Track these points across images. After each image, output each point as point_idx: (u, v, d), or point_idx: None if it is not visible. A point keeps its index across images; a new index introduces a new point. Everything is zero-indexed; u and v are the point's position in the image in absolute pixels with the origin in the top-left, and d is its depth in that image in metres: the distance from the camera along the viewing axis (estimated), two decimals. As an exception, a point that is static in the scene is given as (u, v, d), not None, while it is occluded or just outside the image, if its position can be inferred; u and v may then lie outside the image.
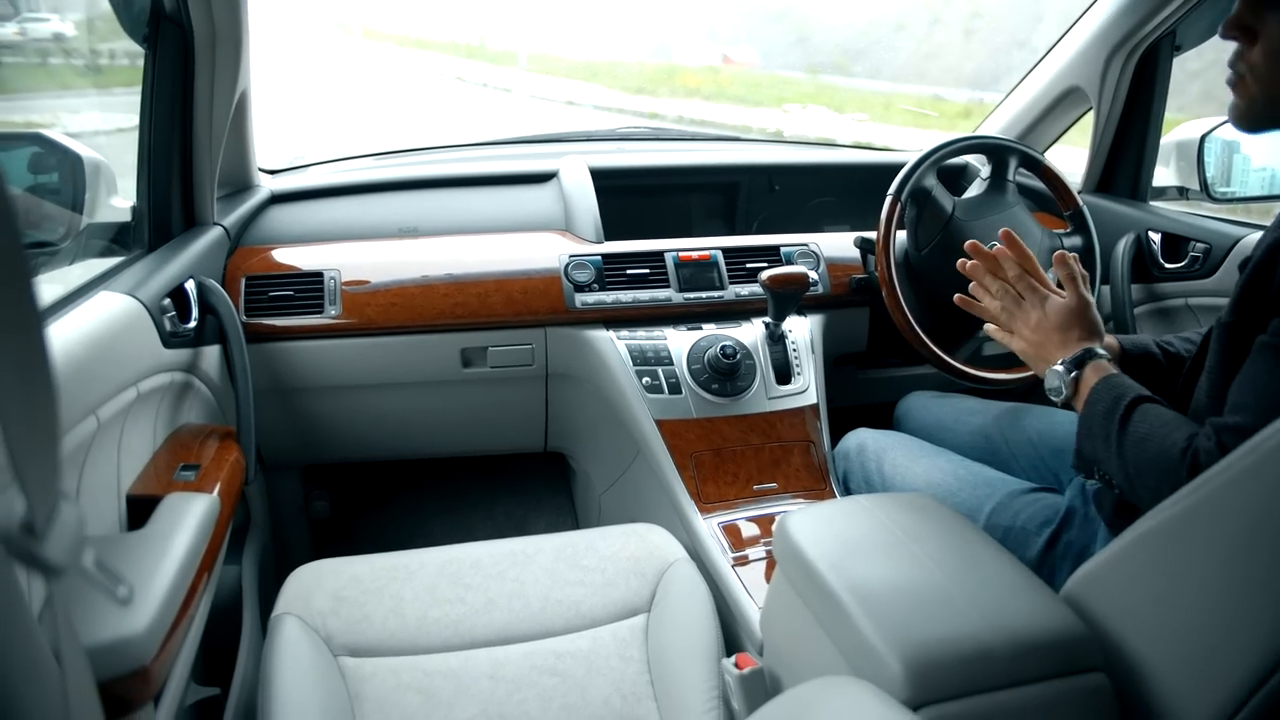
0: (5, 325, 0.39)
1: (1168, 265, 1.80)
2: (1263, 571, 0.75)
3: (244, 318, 1.56)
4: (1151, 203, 1.91)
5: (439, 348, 1.66)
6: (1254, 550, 0.75)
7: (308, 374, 1.64)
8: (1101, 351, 1.15)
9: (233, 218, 1.64)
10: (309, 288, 1.62)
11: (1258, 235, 1.64)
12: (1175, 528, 0.83)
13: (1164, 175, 1.88)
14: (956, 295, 1.32)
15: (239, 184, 1.77)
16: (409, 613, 1.25)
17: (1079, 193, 1.73)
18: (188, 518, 1.09)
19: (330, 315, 1.61)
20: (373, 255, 1.69)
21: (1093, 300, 1.22)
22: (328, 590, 1.26)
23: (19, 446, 0.41)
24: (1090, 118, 1.94)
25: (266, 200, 1.78)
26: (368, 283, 1.64)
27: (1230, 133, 1.73)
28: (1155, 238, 1.81)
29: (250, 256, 1.65)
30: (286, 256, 1.67)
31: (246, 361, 1.44)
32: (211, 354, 1.46)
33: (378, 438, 1.80)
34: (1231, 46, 1.01)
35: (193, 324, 1.37)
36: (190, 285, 1.40)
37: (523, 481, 2.17)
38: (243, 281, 1.60)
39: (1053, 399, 1.17)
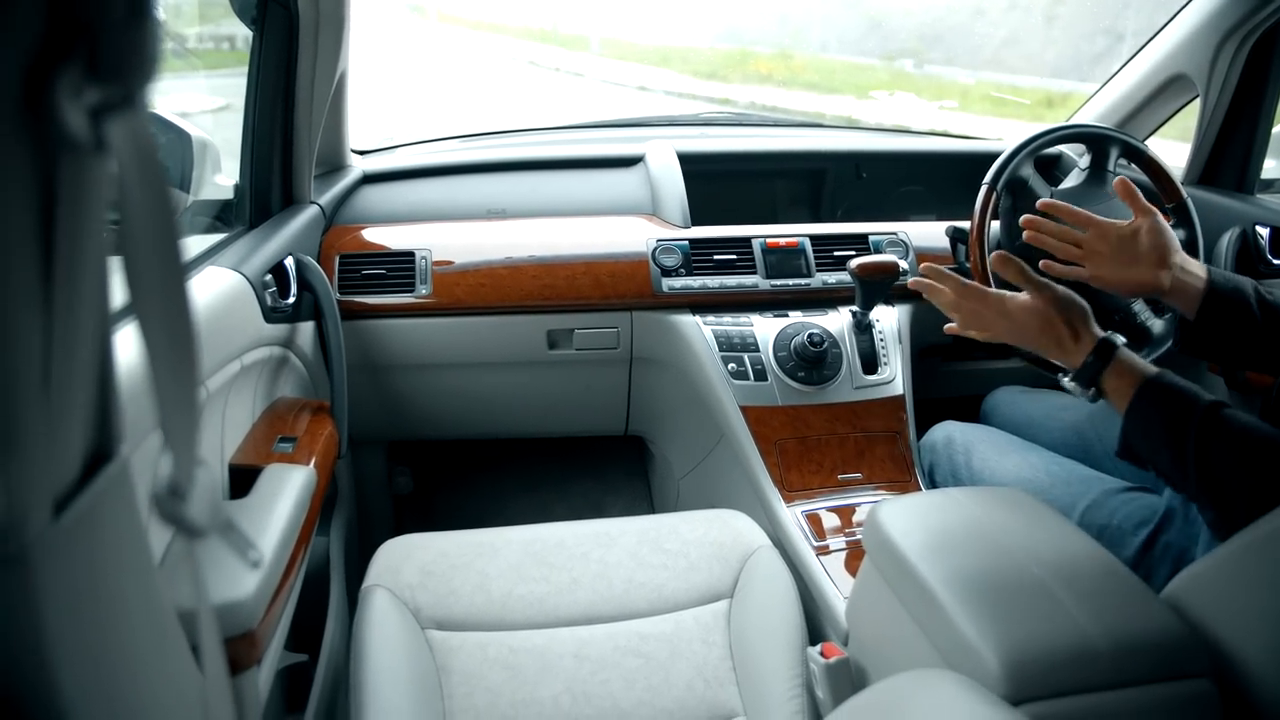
0: (158, 290, 0.41)
1: (1275, 261, 1.73)
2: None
3: (338, 295, 1.60)
4: (1260, 195, 1.84)
5: (525, 329, 1.68)
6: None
7: (396, 351, 1.67)
8: (1115, 340, 1.10)
9: (328, 197, 1.68)
10: (400, 267, 1.65)
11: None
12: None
13: (1275, 168, 1.81)
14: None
15: (333, 164, 1.80)
16: (494, 589, 1.27)
17: (1182, 184, 1.67)
18: (288, 488, 1.12)
19: (420, 294, 1.64)
20: (462, 236, 1.71)
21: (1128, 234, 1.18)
22: (416, 564, 1.28)
23: (168, 409, 0.43)
24: (1192, 107, 1.88)
25: (359, 180, 1.81)
26: (456, 263, 1.66)
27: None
28: (1263, 232, 1.74)
29: (344, 235, 1.68)
30: (378, 236, 1.70)
31: (341, 338, 1.47)
32: (306, 330, 1.50)
33: (461, 416, 1.83)
34: None
35: (291, 300, 1.41)
36: (289, 262, 1.43)
37: (599, 464, 2.18)
38: (337, 259, 1.64)
39: (1085, 400, 1.12)
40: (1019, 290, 1.19)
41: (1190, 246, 1.63)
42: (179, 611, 0.54)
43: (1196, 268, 1.18)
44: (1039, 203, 1.24)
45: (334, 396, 1.45)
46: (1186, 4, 1.81)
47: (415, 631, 1.21)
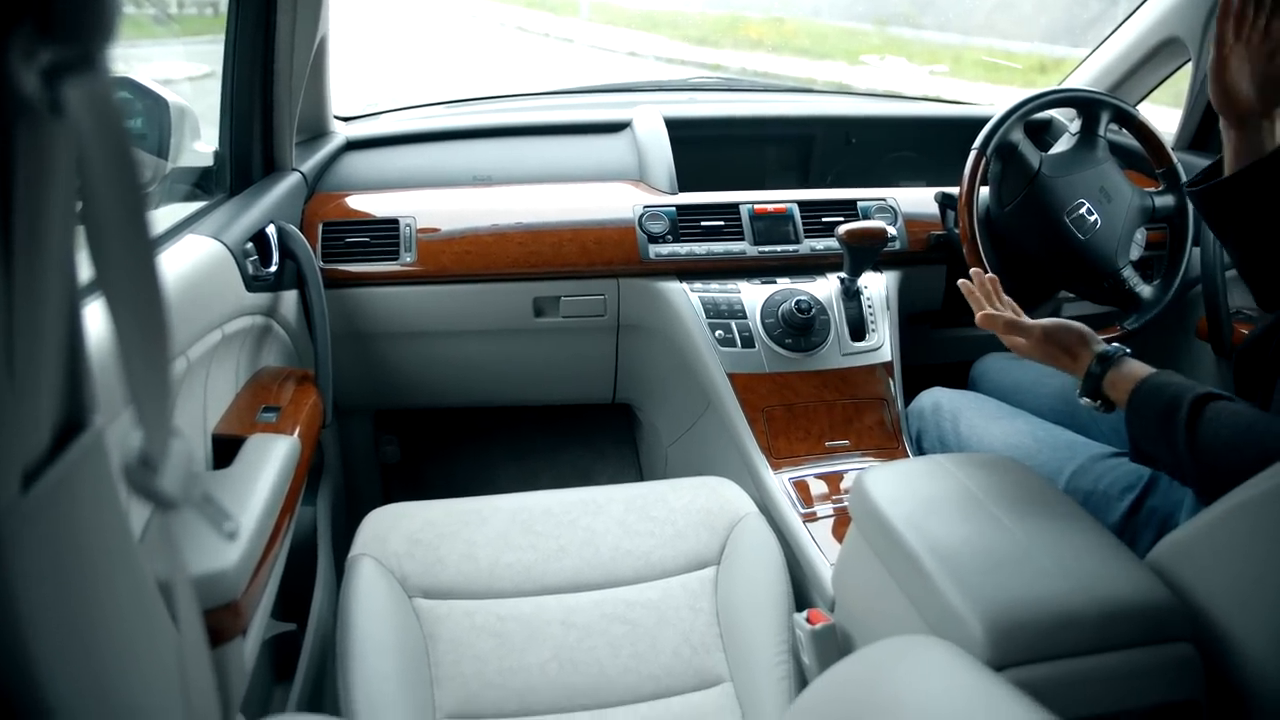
0: (125, 261, 0.40)
1: (1263, 227, 1.72)
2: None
3: (321, 263, 1.58)
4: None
5: (512, 296, 1.67)
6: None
7: (382, 320, 1.66)
8: (1112, 350, 1.14)
9: (310, 164, 1.66)
10: (385, 234, 1.64)
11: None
12: (1275, 501, 0.81)
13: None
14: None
15: (315, 130, 1.78)
16: (482, 557, 1.27)
17: (1172, 150, 1.67)
18: (271, 458, 1.11)
19: (405, 262, 1.62)
20: (447, 203, 1.69)
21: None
22: (402, 533, 1.28)
23: (137, 380, 0.42)
24: (1186, 71, 1.86)
25: (342, 147, 1.79)
26: (442, 230, 1.65)
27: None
28: None
29: (327, 202, 1.67)
30: (362, 203, 1.68)
31: (325, 306, 1.46)
32: (290, 298, 1.48)
33: (448, 385, 1.82)
34: None
35: (273, 268, 1.39)
36: (271, 230, 1.42)
37: (587, 432, 2.18)
38: (320, 227, 1.62)
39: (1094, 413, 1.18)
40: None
41: (1178, 213, 1.63)
42: (160, 583, 0.53)
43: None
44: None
45: (318, 365, 1.44)
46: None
47: (402, 600, 1.21)
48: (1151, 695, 0.85)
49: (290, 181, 1.55)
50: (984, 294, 1.31)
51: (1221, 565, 0.88)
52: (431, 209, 1.67)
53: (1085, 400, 1.17)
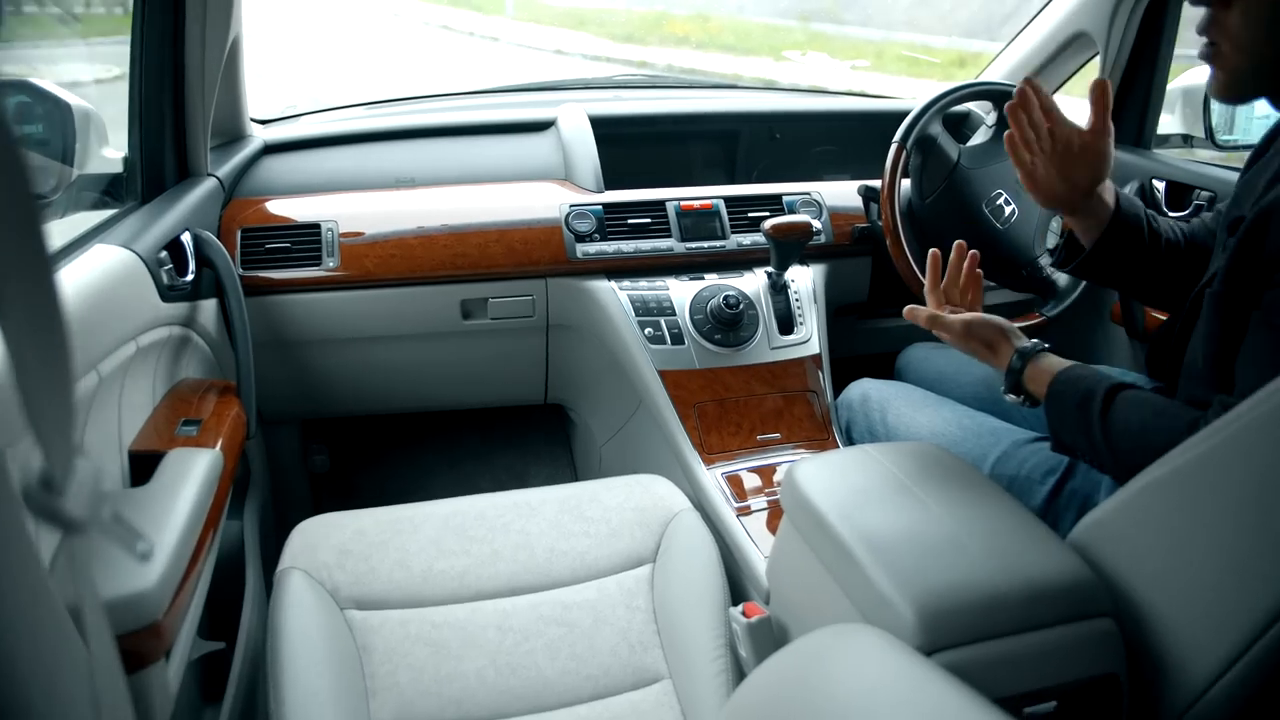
0: (18, 276, 0.38)
1: (1172, 213, 1.78)
2: (1268, 519, 0.75)
3: (241, 270, 1.54)
4: (1155, 150, 1.89)
5: (439, 299, 1.65)
6: (1263, 500, 0.76)
7: (306, 327, 1.62)
8: (1030, 346, 1.17)
9: (226, 168, 1.61)
10: (306, 239, 1.60)
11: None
12: (1184, 477, 0.84)
13: (1169, 123, 1.86)
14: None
15: (231, 134, 1.73)
16: (415, 565, 1.25)
17: (1084, 140, 1.71)
18: (192, 473, 1.08)
19: (328, 267, 1.59)
20: (370, 206, 1.66)
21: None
22: (332, 544, 1.26)
23: (35, 400, 0.40)
24: (1095, 64, 1.92)
25: (260, 150, 1.75)
26: (365, 234, 1.62)
27: (1236, 79, 1.71)
28: (1160, 185, 1.80)
29: (245, 208, 1.62)
30: (282, 208, 1.64)
31: (245, 314, 1.42)
32: (209, 307, 1.44)
33: (377, 391, 1.79)
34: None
35: (190, 277, 1.35)
36: (186, 237, 1.38)
37: (521, 434, 2.17)
38: (239, 234, 1.58)
39: (1021, 407, 1.21)
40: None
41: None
42: (70, 609, 0.51)
43: (1108, 194, 1.25)
44: (1023, 80, 1.24)
45: (240, 376, 1.40)
46: (1087, -37, 1.85)
47: (334, 612, 1.19)
48: (1075, 670, 0.87)
49: (206, 187, 1.51)
50: (933, 276, 1.32)
51: (1137, 541, 0.90)
52: (354, 212, 1.64)
53: (1010, 396, 1.20)
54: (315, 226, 1.61)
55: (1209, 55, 0.98)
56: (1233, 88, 0.99)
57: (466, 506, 1.36)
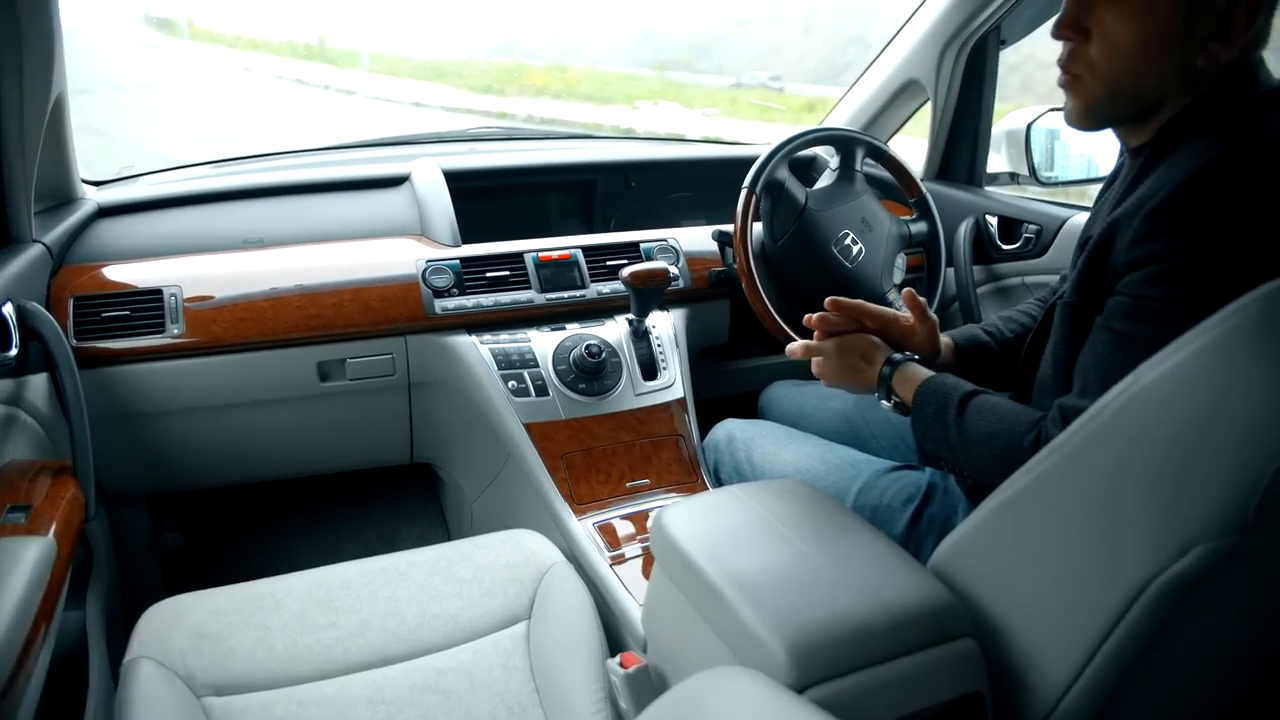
0: None
1: (1004, 246, 1.90)
2: (1104, 532, 0.79)
3: (74, 342, 1.45)
4: (987, 188, 2.02)
5: (294, 362, 1.59)
6: (1096, 511, 0.80)
7: (150, 398, 1.54)
8: (899, 356, 1.23)
9: (54, 234, 1.52)
10: (147, 306, 1.52)
11: (1080, 215, 1.76)
12: (1027, 497, 0.88)
13: (996, 162, 1.99)
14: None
15: (60, 197, 1.63)
16: (278, 643, 1.19)
17: (921, 180, 1.81)
18: (19, 565, 1.00)
19: (172, 334, 1.52)
20: (217, 268, 1.60)
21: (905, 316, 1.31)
22: (186, 627, 1.18)
23: None
24: (928, 109, 2.03)
25: (93, 214, 1.65)
26: (213, 298, 1.55)
27: (1052, 121, 1.84)
28: (992, 221, 1.91)
29: (78, 275, 1.53)
30: (120, 274, 1.56)
31: (79, 388, 1.33)
32: (38, 383, 1.35)
33: (232, 461, 1.71)
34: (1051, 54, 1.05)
35: (13, 351, 1.26)
36: (8, 309, 1.29)
37: (390, 496, 2.10)
38: (70, 303, 1.49)
39: (895, 412, 1.25)
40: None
41: (931, 237, 1.76)
42: None
43: (945, 339, 1.35)
44: (828, 301, 1.30)
45: (76, 454, 1.31)
46: (913, 15, 1.96)
47: (189, 701, 1.12)
48: (941, 692, 0.90)
49: (30, 254, 1.42)
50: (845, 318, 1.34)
51: (991, 562, 0.94)
52: (200, 275, 1.57)
53: (885, 403, 1.24)
54: (157, 292, 1.54)
55: (1066, 84, 1.03)
56: (1088, 116, 1.04)
57: (332, 576, 1.31)
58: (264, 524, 2.03)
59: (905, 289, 1.34)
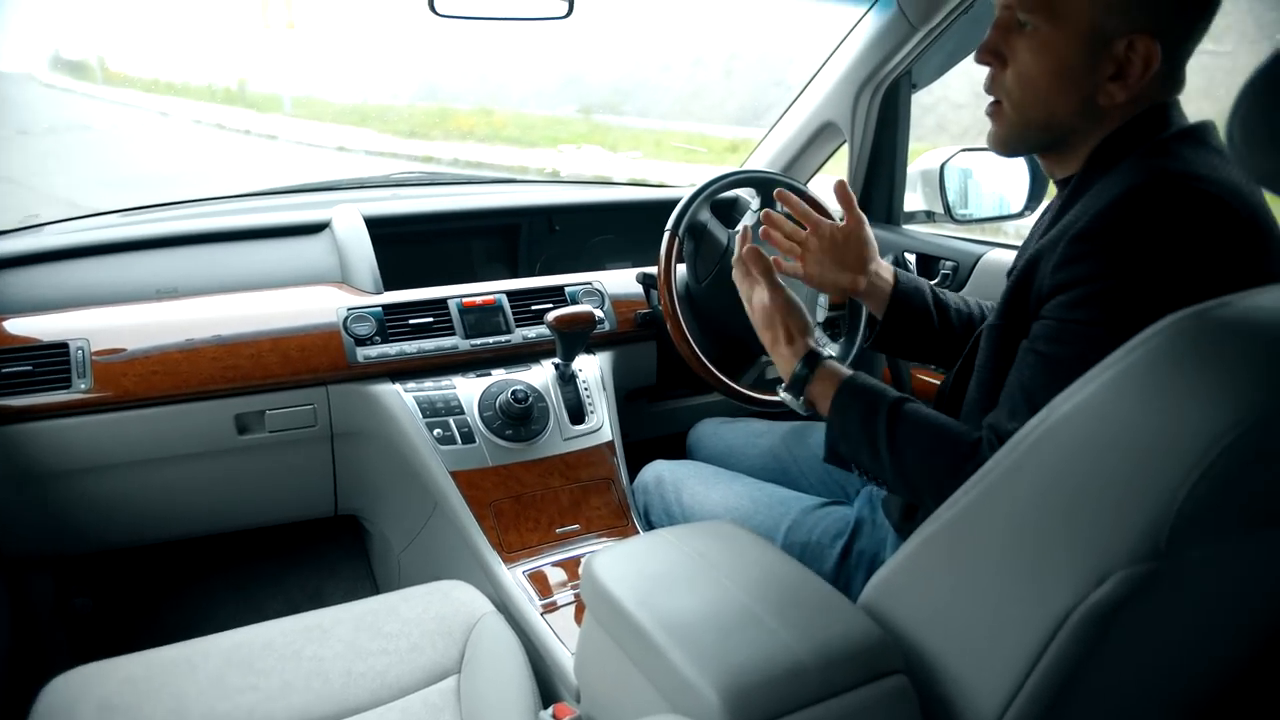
0: None
1: (923, 283, 1.94)
2: (1027, 562, 0.80)
3: None
4: (904, 226, 2.06)
5: (209, 415, 1.54)
6: (1020, 543, 0.81)
7: (55, 457, 1.47)
8: (821, 351, 1.20)
9: None
10: (51, 361, 1.46)
11: (994, 251, 1.81)
12: (953, 530, 0.89)
13: (913, 200, 2.04)
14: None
15: None
16: (193, 711, 1.14)
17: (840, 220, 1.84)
18: None
19: (79, 390, 1.46)
20: (128, 320, 1.55)
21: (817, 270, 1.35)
22: (93, 699, 1.12)
23: None
24: (845, 150, 2.08)
25: None
26: (124, 350, 1.50)
27: (965, 161, 1.90)
28: (911, 258, 1.95)
29: None
30: (21, 327, 1.50)
31: None
32: None
33: (146, 519, 1.64)
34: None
35: None
36: None
37: (315, 549, 2.04)
38: None
39: (799, 411, 1.22)
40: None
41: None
42: None
43: (885, 271, 1.37)
44: (775, 192, 1.35)
45: None
46: (827, 61, 2.01)
47: None
48: None
49: None
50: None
51: (920, 595, 0.94)
52: (109, 327, 1.52)
53: (786, 395, 1.21)
54: (62, 346, 1.48)
55: (992, 112, 1.08)
56: (1006, 143, 1.08)
57: (252, 637, 1.25)
58: (181, 584, 1.95)
59: (838, 181, 1.34)
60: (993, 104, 1.07)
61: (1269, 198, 0.89)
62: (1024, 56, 1.01)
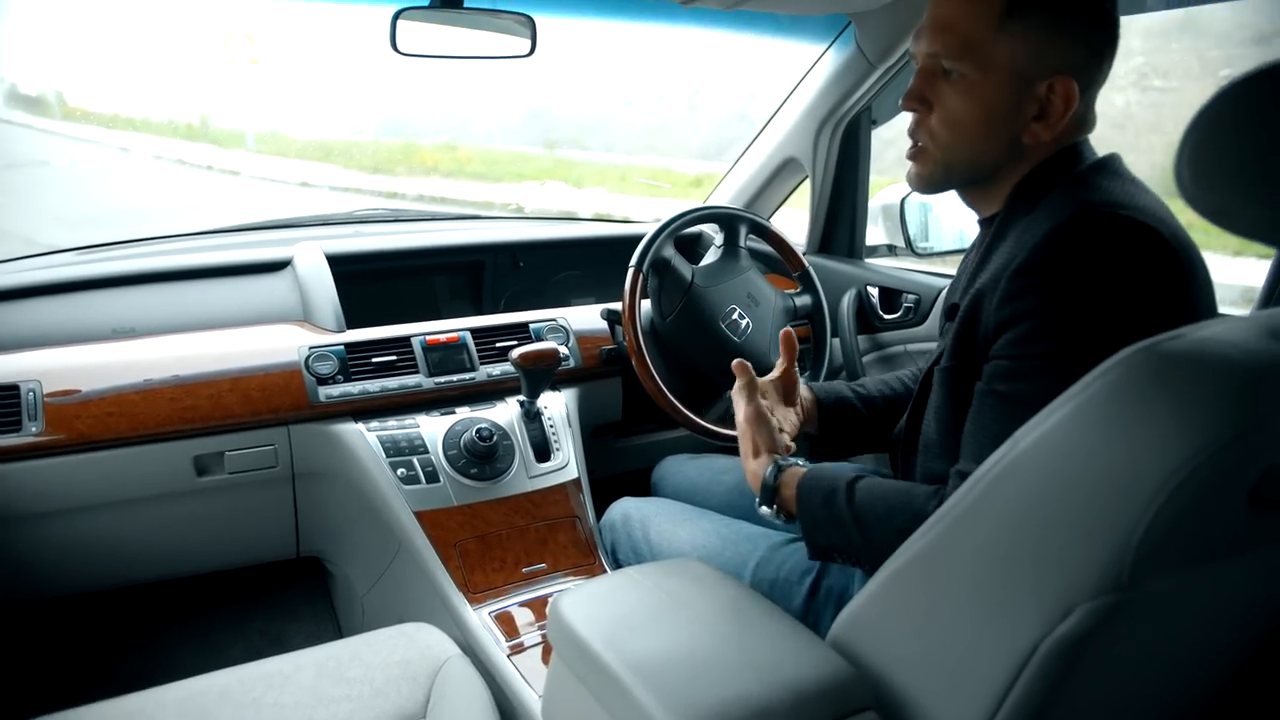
0: None
1: (886, 316, 1.96)
2: (994, 596, 0.80)
3: None
4: (867, 260, 2.09)
5: (168, 457, 1.51)
6: (986, 577, 0.81)
7: (3, 503, 1.43)
8: (785, 461, 1.21)
9: None
10: (1, 403, 1.43)
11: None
12: (919, 564, 0.89)
13: (875, 234, 2.07)
14: None
15: None
16: None
17: (804, 254, 1.86)
18: None
19: (30, 433, 1.42)
20: (82, 360, 1.51)
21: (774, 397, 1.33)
22: None
23: None
24: (807, 185, 2.10)
25: None
26: (78, 391, 1.47)
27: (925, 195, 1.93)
28: (874, 292, 1.98)
29: None
30: None
31: None
32: None
33: (100, 565, 1.60)
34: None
35: None
36: None
37: (276, 592, 2.00)
38: None
39: (775, 521, 1.23)
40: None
41: (816, 309, 1.81)
42: None
43: (807, 391, 1.38)
44: (734, 364, 1.29)
45: None
46: (788, 97, 2.04)
47: None
48: None
49: None
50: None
51: (889, 631, 0.94)
52: (63, 368, 1.49)
53: (765, 510, 1.22)
54: (13, 388, 1.45)
55: (914, 154, 1.11)
56: (929, 182, 1.12)
57: (209, 685, 1.22)
58: (138, 631, 1.90)
59: (784, 331, 1.34)
60: (915, 147, 1.11)
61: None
62: (951, 102, 1.05)
